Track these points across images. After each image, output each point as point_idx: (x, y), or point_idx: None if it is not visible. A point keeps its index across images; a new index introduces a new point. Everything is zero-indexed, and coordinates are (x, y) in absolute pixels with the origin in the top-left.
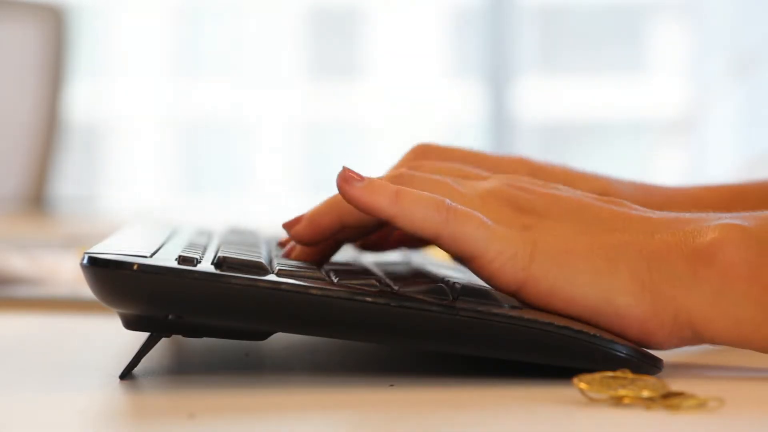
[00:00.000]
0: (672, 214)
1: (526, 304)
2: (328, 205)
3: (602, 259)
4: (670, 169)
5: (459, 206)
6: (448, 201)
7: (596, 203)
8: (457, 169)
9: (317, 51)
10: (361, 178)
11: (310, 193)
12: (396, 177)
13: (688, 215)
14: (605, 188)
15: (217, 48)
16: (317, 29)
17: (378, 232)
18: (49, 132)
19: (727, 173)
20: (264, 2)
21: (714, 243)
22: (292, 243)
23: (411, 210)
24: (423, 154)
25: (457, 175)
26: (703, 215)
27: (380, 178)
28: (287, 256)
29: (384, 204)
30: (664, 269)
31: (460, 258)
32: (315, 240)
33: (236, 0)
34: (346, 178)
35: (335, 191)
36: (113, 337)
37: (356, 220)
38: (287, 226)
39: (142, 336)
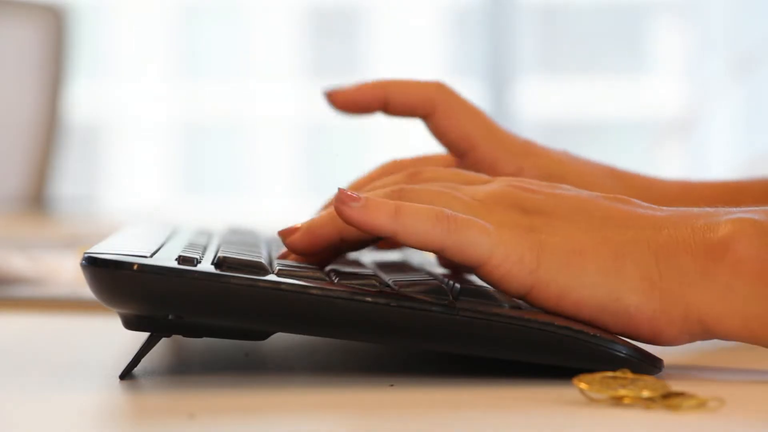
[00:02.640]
0: (680, 210)
1: (530, 305)
2: (328, 218)
3: (609, 258)
4: (670, 169)
5: (459, 215)
6: (447, 211)
7: (604, 202)
8: (457, 174)
9: (317, 51)
10: (358, 198)
11: (310, 194)
12: (395, 192)
13: (696, 210)
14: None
15: (216, 48)
16: (317, 29)
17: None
18: (49, 132)
19: (727, 173)
20: (264, 2)
21: (726, 238)
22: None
23: (411, 225)
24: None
25: (459, 181)
26: (712, 210)
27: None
28: (283, 258)
29: (384, 222)
30: (672, 265)
31: (467, 266)
32: (311, 251)
33: (236, 0)
34: (342, 199)
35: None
36: (113, 337)
37: (356, 235)
38: (283, 234)
39: (142, 336)
